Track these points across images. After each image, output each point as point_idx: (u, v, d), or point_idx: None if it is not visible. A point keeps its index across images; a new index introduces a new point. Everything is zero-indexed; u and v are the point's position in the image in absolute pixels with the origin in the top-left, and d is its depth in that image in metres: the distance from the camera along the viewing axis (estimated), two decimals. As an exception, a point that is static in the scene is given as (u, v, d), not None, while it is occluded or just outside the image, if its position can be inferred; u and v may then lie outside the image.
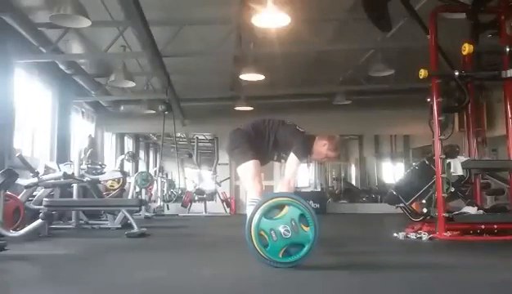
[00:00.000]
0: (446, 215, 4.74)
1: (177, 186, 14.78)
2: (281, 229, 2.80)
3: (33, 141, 7.93)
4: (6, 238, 3.85)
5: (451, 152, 5.16)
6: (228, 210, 11.23)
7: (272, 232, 2.81)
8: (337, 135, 3.93)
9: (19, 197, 5.45)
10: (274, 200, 2.92)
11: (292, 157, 3.50)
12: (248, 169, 3.53)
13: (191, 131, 14.00)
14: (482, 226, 4.74)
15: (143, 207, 8.26)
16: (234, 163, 3.81)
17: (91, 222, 6.31)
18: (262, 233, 2.83)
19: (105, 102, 10.27)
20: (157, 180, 10.76)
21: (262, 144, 3.60)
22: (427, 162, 5.27)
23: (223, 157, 12.13)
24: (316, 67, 8.68)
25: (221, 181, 11.68)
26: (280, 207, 2.88)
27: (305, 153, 3.60)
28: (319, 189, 14.56)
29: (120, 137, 13.16)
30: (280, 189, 3.53)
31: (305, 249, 2.82)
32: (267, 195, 3.09)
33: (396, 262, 3.43)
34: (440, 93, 4.98)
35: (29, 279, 2.81)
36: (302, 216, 2.83)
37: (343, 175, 17.05)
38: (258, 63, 7.53)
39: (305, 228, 2.83)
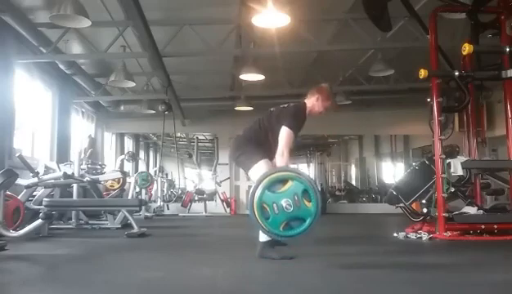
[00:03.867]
0: (446, 215, 4.74)
1: (177, 186, 14.79)
2: (283, 203, 2.82)
3: (33, 141, 7.93)
4: (6, 238, 3.86)
5: (451, 152, 5.17)
6: (228, 210, 11.22)
7: (274, 205, 2.83)
8: (325, 84, 3.83)
9: (19, 197, 5.45)
10: (278, 174, 2.94)
11: (282, 129, 3.41)
12: (261, 169, 3.39)
13: (191, 131, 14.01)
14: (482, 226, 4.75)
15: (143, 207, 8.26)
16: (243, 169, 3.68)
17: (91, 222, 6.31)
18: (265, 205, 2.85)
19: (105, 102, 10.27)
20: (157, 180, 10.76)
21: (266, 142, 3.51)
22: (427, 162, 5.27)
23: (223, 157, 12.14)
24: (316, 67, 8.68)
25: (221, 181, 11.67)
26: (284, 181, 2.89)
27: (295, 120, 3.49)
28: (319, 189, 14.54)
29: (120, 137, 13.16)
30: (275, 161, 3.43)
31: (306, 224, 2.83)
32: (271, 169, 3.09)
33: (396, 262, 3.43)
34: (440, 93, 4.98)
35: (29, 279, 2.81)
36: (305, 191, 2.85)
37: (343, 175, 17.07)
38: (258, 63, 7.53)
39: (307, 203, 2.85)
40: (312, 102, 3.65)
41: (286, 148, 3.35)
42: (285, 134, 3.38)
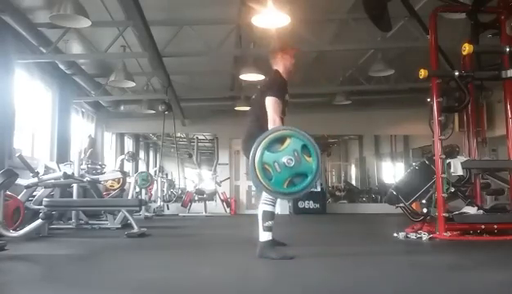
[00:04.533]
0: (446, 215, 4.74)
1: (177, 186, 14.79)
2: (284, 160, 2.85)
3: (33, 141, 7.93)
4: (6, 238, 3.85)
5: (451, 152, 5.17)
6: (228, 210, 11.22)
7: (276, 164, 2.87)
8: (276, 41, 3.98)
9: (19, 197, 5.45)
10: (275, 133, 2.97)
11: (266, 100, 3.45)
12: None
13: (191, 131, 14.00)
14: (482, 226, 4.74)
15: (143, 207, 8.26)
16: None
17: (91, 222, 6.31)
18: (266, 166, 2.88)
19: (105, 102, 10.27)
20: (157, 180, 10.76)
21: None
22: (427, 162, 5.26)
23: (223, 157, 12.15)
24: (316, 67, 8.68)
25: (221, 181, 11.67)
26: (282, 139, 2.93)
27: (275, 87, 3.54)
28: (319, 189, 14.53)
29: (120, 137, 13.16)
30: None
31: (308, 179, 2.87)
32: (267, 131, 3.10)
33: (396, 262, 3.43)
34: (440, 93, 4.98)
35: (29, 279, 2.81)
36: (304, 146, 2.88)
37: (343, 175, 17.06)
38: (258, 63, 7.53)
39: (308, 158, 2.88)
40: (281, 62, 3.76)
41: (275, 114, 3.38)
42: (270, 103, 3.44)
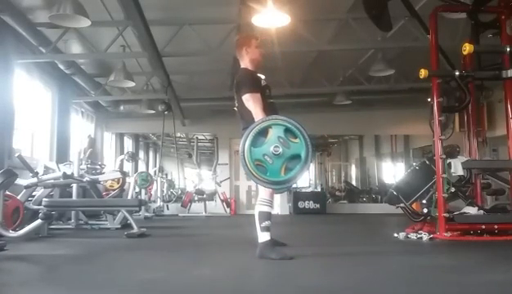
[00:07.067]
0: (447, 215, 4.73)
1: (176, 186, 14.77)
2: (271, 149, 2.87)
3: (33, 141, 7.92)
4: (5, 239, 3.85)
5: (451, 152, 5.16)
6: (228, 210, 11.21)
7: (266, 157, 2.87)
8: (237, 36, 3.90)
9: (18, 197, 5.44)
10: (256, 128, 2.96)
11: (244, 99, 3.42)
12: None
13: (191, 131, 14.00)
14: (483, 226, 4.74)
15: (143, 207, 8.25)
16: None
17: (90, 222, 6.30)
18: (258, 162, 2.89)
19: (104, 102, 10.27)
20: (157, 181, 10.75)
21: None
22: (427, 162, 5.25)
23: (223, 157, 12.14)
24: (316, 67, 8.68)
25: (221, 181, 11.66)
26: (265, 132, 2.94)
27: (247, 83, 3.51)
28: (319, 190, 14.55)
29: (120, 137, 13.15)
30: None
31: (302, 158, 2.87)
32: (249, 128, 3.07)
33: (396, 262, 3.43)
34: (440, 93, 4.97)
35: (29, 279, 2.80)
36: (287, 130, 2.89)
37: (343, 175, 17.06)
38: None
39: (294, 140, 2.89)
40: (247, 57, 3.66)
41: (259, 109, 3.34)
42: (248, 100, 3.41)
